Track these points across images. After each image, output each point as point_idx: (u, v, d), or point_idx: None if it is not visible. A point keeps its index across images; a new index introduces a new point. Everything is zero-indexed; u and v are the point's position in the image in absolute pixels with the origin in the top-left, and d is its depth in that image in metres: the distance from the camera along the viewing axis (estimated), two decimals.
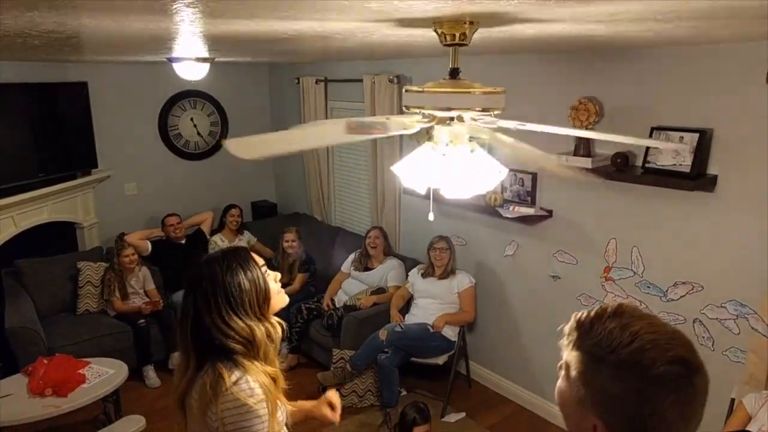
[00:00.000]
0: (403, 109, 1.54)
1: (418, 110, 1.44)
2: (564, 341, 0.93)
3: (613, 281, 3.20)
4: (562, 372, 0.93)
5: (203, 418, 1.36)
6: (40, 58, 3.81)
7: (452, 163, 1.47)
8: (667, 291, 2.95)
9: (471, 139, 1.49)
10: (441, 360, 3.87)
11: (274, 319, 1.49)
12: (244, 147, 1.33)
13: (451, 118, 1.44)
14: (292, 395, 1.59)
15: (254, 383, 1.36)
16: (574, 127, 3.04)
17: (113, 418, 3.36)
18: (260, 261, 1.51)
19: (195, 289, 1.42)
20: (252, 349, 1.40)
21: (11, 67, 4.06)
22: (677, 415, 0.82)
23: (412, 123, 1.44)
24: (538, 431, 3.63)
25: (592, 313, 0.90)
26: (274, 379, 1.44)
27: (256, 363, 1.41)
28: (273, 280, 1.52)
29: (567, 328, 0.93)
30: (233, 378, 1.35)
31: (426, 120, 1.47)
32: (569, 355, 0.90)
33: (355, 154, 5.01)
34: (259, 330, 1.42)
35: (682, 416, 0.83)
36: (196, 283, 1.43)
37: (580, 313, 0.91)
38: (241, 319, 1.40)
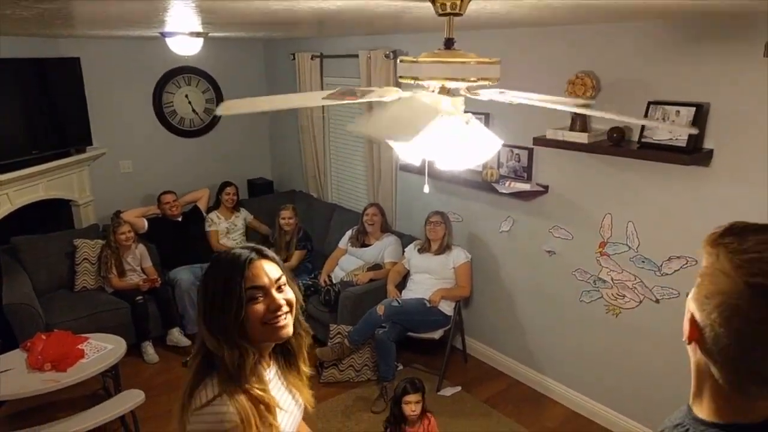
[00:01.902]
0: (398, 80, 1.53)
1: (412, 81, 1.43)
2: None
3: (608, 256, 3.22)
4: None
5: (179, 422, 1.25)
6: (31, 32, 3.76)
7: (447, 134, 1.46)
8: (661, 265, 2.97)
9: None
10: (437, 335, 3.91)
11: (249, 347, 1.25)
12: (233, 106, 1.31)
13: (447, 89, 1.43)
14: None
15: (230, 407, 1.18)
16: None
17: (113, 393, 3.40)
18: (264, 279, 1.27)
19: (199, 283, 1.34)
20: (229, 368, 1.24)
21: (1, 41, 4.00)
22: (759, 341, 0.76)
23: (390, 92, 1.43)
24: (533, 404, 3.68)
25: (750, 224, 0.83)
26: (262, 403, 1.25)
27: (237, 383, 1.23)
28: (267, 306, 1.27)
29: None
30: (208, 396, 1.20)
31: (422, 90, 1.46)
32: (704, 250, 0.86)
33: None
34: (229, 353, 1.23)
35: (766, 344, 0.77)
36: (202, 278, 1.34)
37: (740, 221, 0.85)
38: (215, 337, 1.24)
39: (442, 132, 1.45)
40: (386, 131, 1.34)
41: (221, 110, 1.19)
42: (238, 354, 1.23)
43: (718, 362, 0.81)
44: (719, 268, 0.80)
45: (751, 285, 0.75)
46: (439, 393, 3.77)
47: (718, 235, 0.83)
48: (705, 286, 0.81)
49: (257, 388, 1.25)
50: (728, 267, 0.78)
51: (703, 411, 0.88)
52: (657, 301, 3.03)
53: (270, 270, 1.29)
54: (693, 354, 0.87)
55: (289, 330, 1.31)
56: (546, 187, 3.46)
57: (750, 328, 0.76)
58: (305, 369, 1.47)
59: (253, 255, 1.29)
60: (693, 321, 0.83)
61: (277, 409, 1.29)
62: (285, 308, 1.29)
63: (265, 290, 1.26)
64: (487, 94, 1.51)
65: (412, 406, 2.89)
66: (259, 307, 1.26)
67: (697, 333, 0.83)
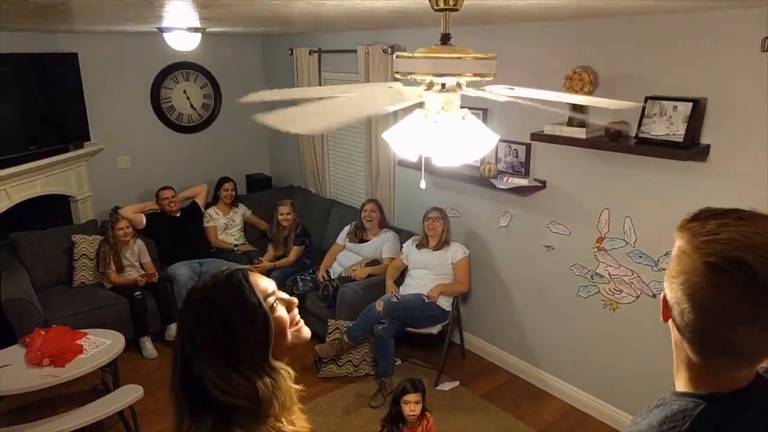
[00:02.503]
0: (395, 76, 1.53)
1: (409, 76, 1.43)
2: None
3: (605, 251, 3.23)
4: None
5: None
6: (28, 27, 3.75)
7: (443, 130, 1.46)
8: (658, 260, 2.98)
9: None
10: (435, 330, 3.92)
11: (281, 367, 1.07)
12: (287, 121, 1.28)
13: (443, 85, 1.43)
14: (288, 365, 1.34)
15: None
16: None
17: (111, 388, 3.40)
18: (266, 287, 1.09)
19: (182, 334, 1.06)
20: (259, 407, 1.02)
21: None
22: (732, 315, 0.81)
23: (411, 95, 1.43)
24: (530, 399, 3.70)
25: (723, 208, 0.89)
26: None
27: (268, 425, 1.03)
28: (286, 307, 1.11)
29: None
30: None
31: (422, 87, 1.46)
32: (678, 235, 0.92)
33: (349, 125, 4.98)
34: (262, 383, 1.02)
35: (738, 317, 0.82)
36: (183, 325, 1.08)
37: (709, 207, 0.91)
38: (237, 372, 1.02)
39: (439, 128, 1.45)
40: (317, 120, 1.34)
41: (245, 99, 1.14)
42: (270, 382, 1.03)
43: (687, 337, 0.88)
44: (683, 250, 0.86)
45: (706, 263, 0.82)
46: (437, 388, 3.78)
47: (686, 220, 0.90)
48: (672, 267, 0.88)
49: (287, 426, 1.06)
50: (689, 248, 0.85)
51: (680, 384, 0.94)
52: (654, 296, 3.04)
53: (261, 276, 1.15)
54: (672, 333, 0.93)
55: (308, 329, 1.16)
56: (544, 183, 3.47)
57: (710, 302, 0.82)
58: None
59: (241, 269, 1.12)
60: (664, 300, 0.90)
61: None
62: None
63: (275, 294, 1.11)
64: (496, 90, 1.51)
65: (411, 405, 2.85)
66: (282, 312, 1.10)
67: (668, 311, 0.89)
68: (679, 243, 0.89)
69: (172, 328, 4.33)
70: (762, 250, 0.80)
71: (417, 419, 2.88)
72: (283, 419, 1.05)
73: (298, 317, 1.13)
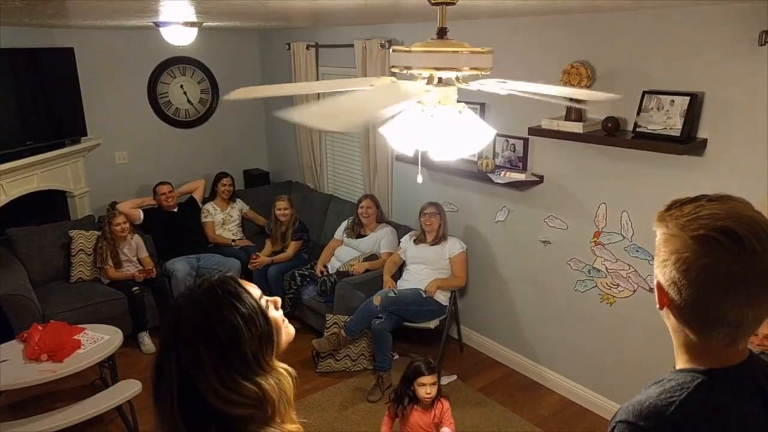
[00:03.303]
0: (392, 70, 1.53)
1: (405, 71, 1.42)
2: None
3: (602, 246, 3.24)
4: None
5: None
6: (24, 22, 3.73)
7: (440, 124, 1.46)
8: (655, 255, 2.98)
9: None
10: (433, 324, 3.93)
11: (281, 366, 1.09)
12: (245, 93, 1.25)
13: (439, 79, 1.43)
14: (286, 360, 1.33)
15: None
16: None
17: (110, 383, 3.41)
18: (255, 291, 1.09)
19: (176, 348, 1.01)
20: (263, 411, 1.03)
21: None
22: (729, 287, 0.87)
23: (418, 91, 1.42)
24: (528, 393, 3.71)
25: (698, 195, 0.96)
26: None
27: (272, 427, 1.04)
28: (273, 307, 1.12)
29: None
30: None
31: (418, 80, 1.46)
32: (660, 225, 0.97)
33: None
34: (268, 384, 1.03)
35: (735, 289, 0.87)
36: (177, 339, 1.03)
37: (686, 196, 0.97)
38: (245, 377, 1.01)
39: (436, 122, 1.45)
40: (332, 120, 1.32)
41: (233, 96, 1.11)
42: (275, 382, 1.04)
43: (686, 316, 0.93)
44: (669, 233, 0.93)
45: (694, 237, 0.88)
46: None
47: (662, 212, 0.96)
48: (662, 253, 0.93)
49: (288, 425, 1.07)
50: (675, 230, 0.91)
51: (679, 364, 1.00)
52: (651, 290, 3.05)
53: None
54: (668, 320, 0.98)
55: (293, 327, 1.18)
56: (541, 177, 3.47)
57: (704, 273, 0.88)
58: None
59: (229, 275, 1.12)
60: (659, 287, 0.95)
61: None
62: None
63: (263, 296, 1.11)
64: (488, 84, 1.50)
65: (427, 388, 2.70)
66: (274, 312, 1.10)
67: (665, 297, 0.94)
68: (663, 230, 0.94)
69: None
70: (742, 219, 0.87)
71: (431, 402, 2.76)
72: (284, 417, 1.06)
73: (282, 315, 1.13)
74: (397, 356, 3.99)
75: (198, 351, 1.00)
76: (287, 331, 1.14)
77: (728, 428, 0.92)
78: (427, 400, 2.73)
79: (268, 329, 1.06)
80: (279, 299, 1.15)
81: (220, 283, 1.07)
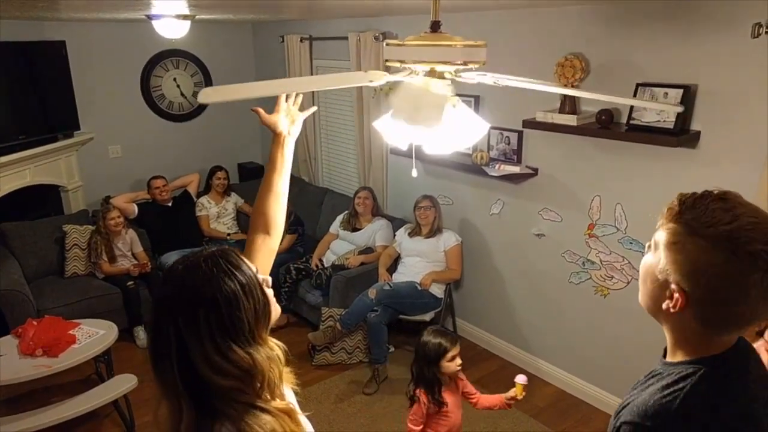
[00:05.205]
0: (385, 63, 1.52)
1: (399, 64, 1.42)
2: (660, 220, 0.98)
3: (596, 238, 3.25)
4: (651, 248, 1.00)
5: None
6: (14, 15, 3.70)
7: None
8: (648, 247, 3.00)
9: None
10: (428, 317, 3.94)
11: (273, 341, 1.12)
12: (215, 93, 1.22)
13: (432, 72, 1.42)
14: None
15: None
16: (560, 84, 3.03)
17: (105, 378, 3.41)
18: (253, 266, 1.13)
19: (175, 313, 1.03)
20: (251, 383, 1.05)
21: None
22: (760, 296, 0.87)
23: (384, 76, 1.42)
24: None
25: (698, 193, 0.94)
26: (288, 414, 1.10)
27: (260, 407, 1.06)
28: (266, 286, 1.14)
29: (667, 206, 0.97)
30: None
31: (407, 74, 1.45)
32: (664, 228, 0.95)
33: (342, 113, 4.96)
34: (260, 356, 1.05)
35: (764, 298, 0.88)
36: (176, 304, 1.04)
37: (683, 193, 0.96)
38: (240, 346, 1.03)
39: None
40: (409, 119, 1.33)
41: (202, 98, 1.07)
42: (266, 353, 1.07)
43: (709, 318, 0.92)
44: (680, 241, 0.92)
45: (737, 251, 0.87)
46: None
47: (677, 210, 0.94)
48: (678, 260, 0.92)
49: (276, 403, 1.10)
50: (686, 235, 0.91)
51: (678, 357, 1.00)
52: None
53: None
54: (669, 319, 0.98)
55: (278, 306, 1.21)
56: (535, 170, 3.47)
57: (719, 279, 0.88)
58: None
59: (224, 248, 1.14)
60: (680, 292, 0.93)
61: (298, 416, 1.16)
62: None
63: (258, 271, 1.13)
64: (468, 77, 1.50)
65: (458, 359, 2.43)
66: (267, 288, 1.12)
67: (684, 299, 0.92)
68: (670, 238, 0.93)
69: None
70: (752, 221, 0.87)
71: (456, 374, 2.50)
72: (274, 392, 1.08)
73: (272, 293, 1.16)
74: (392, 349, 4.01)
75: (197, 315, 1.01)
76: (276, 308, 1.17)
77: (735, 412, 0.93)
78: (456, 372, 2.46)
79: (264, 302, 1.08)
80: (270, 278, 1.18)
81: (222, 253, 1.09)
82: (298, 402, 1.28)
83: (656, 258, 0.97)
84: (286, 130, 1.52)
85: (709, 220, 0.89)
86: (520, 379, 2.41)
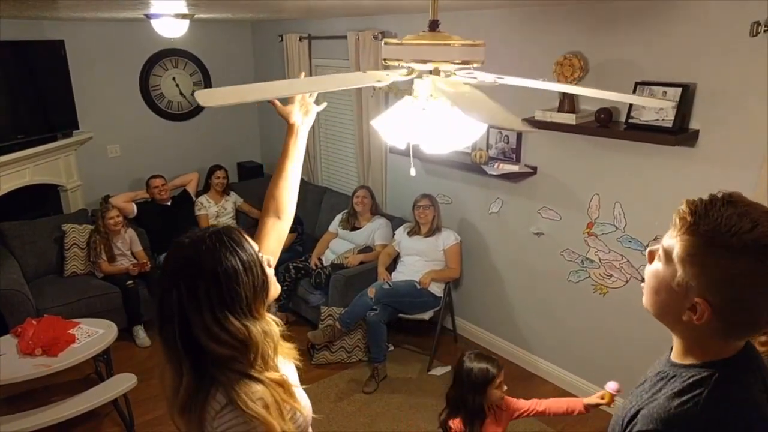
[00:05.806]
0: (383, 62, 1.52)
1: (397, 63, 1.42)
2: (672, 228, 0.95)
3: (595, 236, 3.25)
4: (660, 257, 0.98)
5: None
6: (13, 15, 3.70)
7: (432, 117, 1.46)
8: (647, 245, 3.00)
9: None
10: (427, 315, 3.94)
11: (270, 317, 1.20)
12: (215, 96, 1.22)
13: (430, 71, 1.42)
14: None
15: (252, 404, 1.08)
16: (559, 82, 3.03)
17: (105, 377, 3.41)
18: (256, 246, 1.20)
19: (178, 282, 1.11)
20: (245, 354, 1.12)
21: None
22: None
23: (388, 76, 1.42)
24: (522, 383, 3.73)
25: (706, 200, 0.92)
26: (281, 386, 1.16)
27: (252, 376, 1.12)
28: (267, 265, 1.21)
29: (677, 215, 0.94)
30: (221, 403, 1.10)
31: (406, 73, 1.45)
32: (679, 239, 0.93)
33: (341, 112, 4.96)
34: (255, 329, 1.13)
35: None
36: (179, 274, 1.12)
37: (690, 201, 0.93)
38: (237, 318, 1.11)
39: (428, 115, 1.45)
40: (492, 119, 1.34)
41: (201, 100, 1.06)
42: (261, 328, 1.14)
43: (733, 325, 0.92)
44: (717, 248, 0.88)
45: (741, 250, 0.86)
46: (429, 373, 3.81)
47: (691, 219, 0.91)
48: (703, 274, 0.90)
49: (270, 374, 1.16)
50: (731, 245, 0.87)
51: (689, 359, 0.99)
52: (643, 280, 3.06)
53: None
54: (687, 327, 0.96)
55: (279, 286, 1.28)
56: (534, 169, 3.48)
57: (750, 288, 0.87)
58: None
59: (228, 227, 1.21)
60: (703, 303, 0.91)
61: (294, 388, 1.22)
62: None
63: (261, 251, 1.21)
64: (484, 78, 1.50)
65: (504, 386, 2.29)
66: (268, 268, 1.20)
67: (708, 310, 0.90)
68: (688, 250, 0.91)
69: None
70: None
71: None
72: (268, 364, 1.16)
73: (273, 273, 1.24)
74: (392, 347, 4.01)
75: (197, 287, 1.10)
76: (275, 287, 1.25)
77: (756, 415, 0.93)
78: (501, 398, 2.29)
79: (263, 279, 1.16)
80: (272, 258, 1.28)
81: (226, 230, 1.17)
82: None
83: (670, 269, 0.95)
84: (299, 121, 1.59)
85: (729, 229, 0.87)
86: (611, 386, 2.13)
